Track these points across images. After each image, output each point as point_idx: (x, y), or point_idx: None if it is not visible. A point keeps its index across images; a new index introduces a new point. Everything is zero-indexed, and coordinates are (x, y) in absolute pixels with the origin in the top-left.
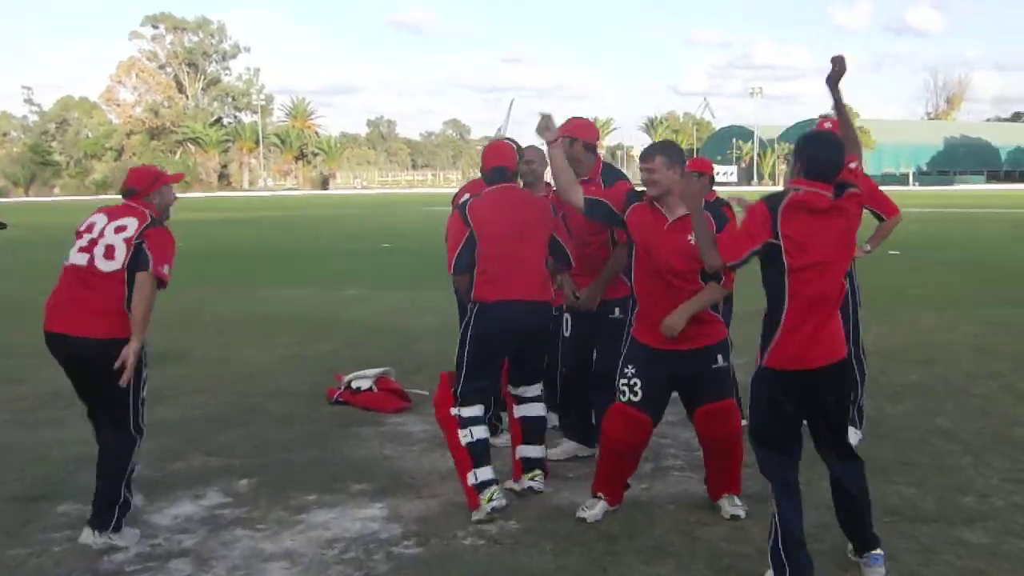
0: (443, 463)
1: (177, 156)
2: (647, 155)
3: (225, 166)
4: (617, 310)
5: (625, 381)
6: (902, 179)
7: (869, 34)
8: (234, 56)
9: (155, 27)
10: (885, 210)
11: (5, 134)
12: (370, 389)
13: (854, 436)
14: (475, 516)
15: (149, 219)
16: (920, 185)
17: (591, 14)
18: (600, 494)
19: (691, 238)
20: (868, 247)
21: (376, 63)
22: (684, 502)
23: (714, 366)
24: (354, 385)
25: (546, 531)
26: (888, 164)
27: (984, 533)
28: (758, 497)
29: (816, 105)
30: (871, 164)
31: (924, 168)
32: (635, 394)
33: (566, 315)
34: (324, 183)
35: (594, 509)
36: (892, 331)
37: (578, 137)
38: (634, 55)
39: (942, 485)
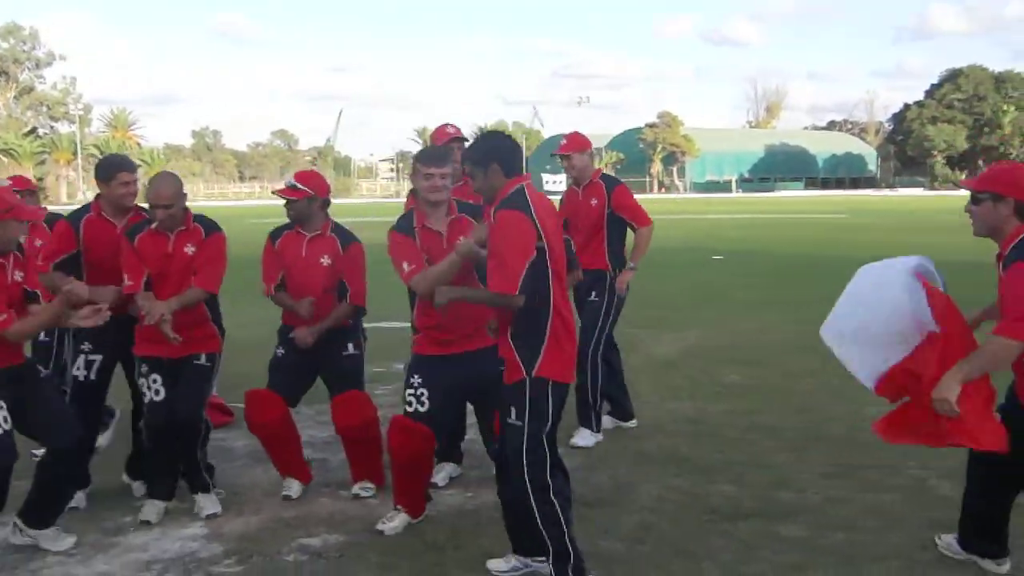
0: (265, 478)
1: None
2: (447, 158)
3: (41, 179)
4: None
5: (412, 392)
6: (725, 186)
7: (690, 44)
8: (49, 64)
9: None
10: (637, 220)
11: None
12: None
13: (590, 437)
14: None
15: None
16: (743, 192)
17: (415, 23)
18: (399, 507)
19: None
20: (633, 264)
21: (199, 72)
22: None
23: (502, 368)
24: None
25: (372, 543)
26: (712, 171)
27: (801, 527)
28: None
29: (641, 113)
30: (695, 171)
31: (747, 175)
32: (422, 404)
33: None
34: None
35: (394, 522)
36: (714, 333)
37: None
38: (460, 63)
39: (761, 482)
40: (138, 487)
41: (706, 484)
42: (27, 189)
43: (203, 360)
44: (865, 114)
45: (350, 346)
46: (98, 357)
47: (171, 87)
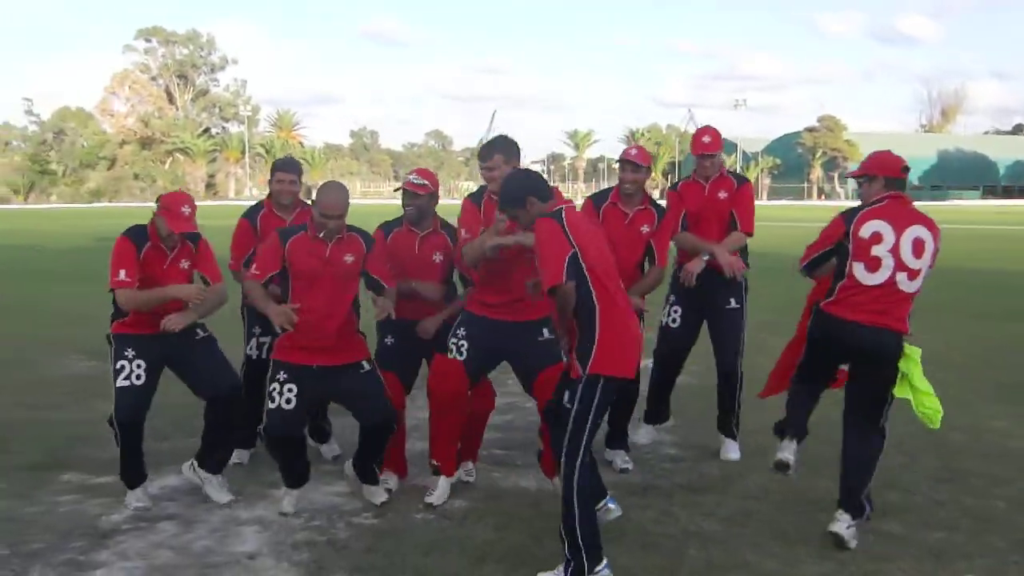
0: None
1: (167, 166)
2: (486, 154)
3: (212, 175)
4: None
5: (455, 341)
6: None
7: (858, 43)
8: (222, 68)
9: (148, 40)
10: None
11: (7, 144)
12: None
13: (736, 449)
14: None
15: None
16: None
17: (569, 24)
18: (435, 462)
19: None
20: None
21: (357, 74)
22: (621, 488)
23: (540, 339)
24: None
25: (491, 509)
26: None
27: (900, 524)
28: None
29: (800, 117)
30: None
31: (916, 183)
32: (460, 353)
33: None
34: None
35: (438, 490)
36: None
37: (647, 163)
38: (615, 65)
39: None
40: (327, 449)
41: (813, 479)
42: None
43: (367, 367)
44: None
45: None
46: (268, 339)
47: (330, 88)
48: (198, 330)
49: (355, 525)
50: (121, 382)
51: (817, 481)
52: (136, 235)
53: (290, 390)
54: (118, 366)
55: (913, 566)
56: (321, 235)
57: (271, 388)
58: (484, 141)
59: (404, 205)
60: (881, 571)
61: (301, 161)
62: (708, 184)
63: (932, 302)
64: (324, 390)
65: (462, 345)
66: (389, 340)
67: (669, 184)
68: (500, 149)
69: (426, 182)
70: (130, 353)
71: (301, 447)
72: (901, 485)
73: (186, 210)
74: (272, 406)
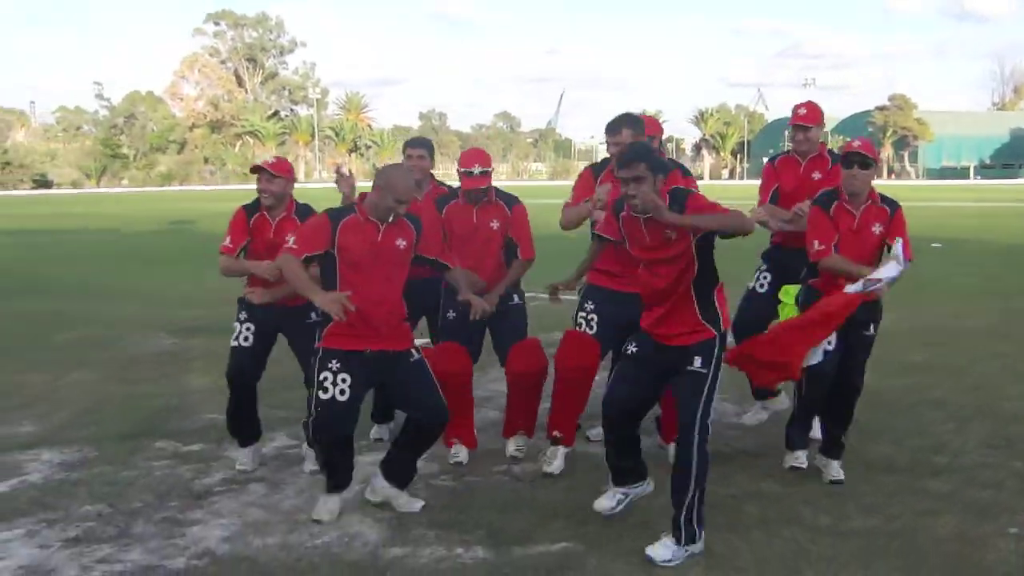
0: (479, 418)
1: (236, 149)
2: (614, 128)
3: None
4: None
5: (584, 315)
6: (962, 172)
7: (927, 19)
8: (291, 51)
9: (217, 24)
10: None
11: (79, 128)
12: None
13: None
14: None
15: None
16: (982, 179)
17: (636, 2)
18: (556, 433)
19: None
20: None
21: (424, 55)
22: None
23: None
24: None
25: (562, 473)
26: (948, 157)
27: (947, 484)
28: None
29: (870, 95)
30: (929, 157)
31: (987, 161)
32: (590, 328)
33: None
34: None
35: (557, 459)
36: (912, 317)
37: (656, 135)
38: (682, 45)
39: (919, 446)
40: (381, 431)
41: (866, 443)
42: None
43: (416, 355)
44: None
45: (515, 297)
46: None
47: (397, 70)
48: (312, 313)
49: (433, 486)
50: (232, 342)
51: (870, 446)
52: (249, 206)
53: (343, 380)
54: (232, 326)
55: (957, 521)
56: (391, 219)
57: (322, 377)
58: (553, 123)
59: (469, 196)
60: (925, 526)
61: (372, 143)
62: (805, 162)
63: (994, 277)
64: (376, 378)
65: (591, 319)
66: (451, 314)
67: (737, 163)
68: (628, 124)
69: (488, 169)
70: (243, 316)
71: (350, 445)
72: (950, 449)
73: (261, 161)
74: (325, 397)
